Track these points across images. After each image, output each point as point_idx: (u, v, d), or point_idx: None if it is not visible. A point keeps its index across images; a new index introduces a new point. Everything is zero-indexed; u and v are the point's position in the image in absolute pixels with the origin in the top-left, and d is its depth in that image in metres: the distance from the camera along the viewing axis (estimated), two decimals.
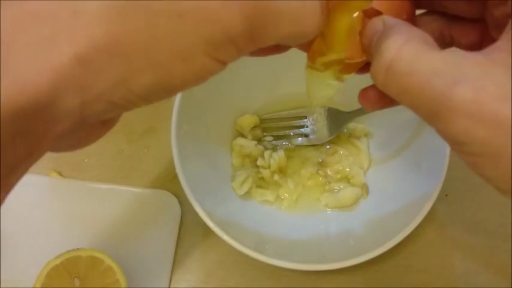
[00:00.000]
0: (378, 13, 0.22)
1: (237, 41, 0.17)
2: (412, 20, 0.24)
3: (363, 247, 0.35)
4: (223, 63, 0.18)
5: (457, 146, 0.18)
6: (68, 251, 0.37)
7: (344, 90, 0.44)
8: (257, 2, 0.16)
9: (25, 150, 0.16)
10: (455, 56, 0.17)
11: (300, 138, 0.43)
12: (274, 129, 0.44)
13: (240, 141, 0.42)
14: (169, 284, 0.39)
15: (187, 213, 0.41)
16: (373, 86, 0.24)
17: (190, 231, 0.41)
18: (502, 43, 0.18)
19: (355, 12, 0.22)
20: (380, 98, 0.24)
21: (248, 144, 0.42)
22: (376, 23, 0.21)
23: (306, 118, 0.43)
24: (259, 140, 0.43)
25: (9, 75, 0.14)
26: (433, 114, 0.17)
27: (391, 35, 0.19)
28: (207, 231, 0.35)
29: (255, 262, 0.34)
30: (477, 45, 0.23)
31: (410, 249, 0.40)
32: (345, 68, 0.23)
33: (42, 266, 0.36)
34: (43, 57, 0.15)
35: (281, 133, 0.43)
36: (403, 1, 0.23)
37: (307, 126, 0.43)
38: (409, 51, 0.18)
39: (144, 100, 0.18)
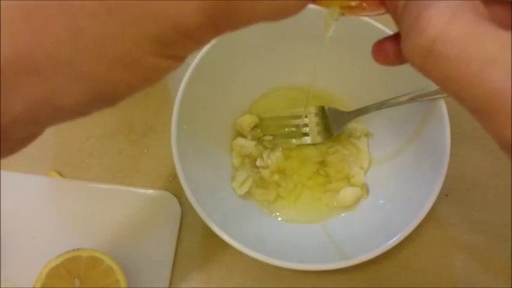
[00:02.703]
0: None
1: (194, 35, 0.13)
2: None
3: (363, 247, 0.35)
4: (180, 59, 0.15)
5: (509, 148, 0.15)
6: (68, 251, 0.37)
7: (344, 89, 0.44)
8: None
9: None
10: None
11: (300, 138, 0.43)
12: (273, 128, 0.44)
13: (240, 141, 0.42)
14: (169, 284, 0.39)
15: (187, 213, 0.41)
16: (390, 39, 0.20)
17: (190, 231, 0.41)
18: None
19: None
20: (399, 53, 0.19)
21: (248, 144, 0.42)
22: None
23: (306, 117, 0.43)
24: (258, 140, 0.43)
25: None
26: (483, 111, 0.14)
27: (435, 4, 0.14)
28: (207, 231, 0.35)
29: (255, 262, 0.34)
30: None
31: (410, 249, 0.40)
32: (350, 10, 0.19)
33: (42, 266, 0.36)
34: None
35: (281, 132, 0.43)
36: None
37: (307, 126, 0.43)
38: (458, 28, 0.14)
39: (80, 114, 0.15)
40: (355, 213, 0.40)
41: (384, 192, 0.40)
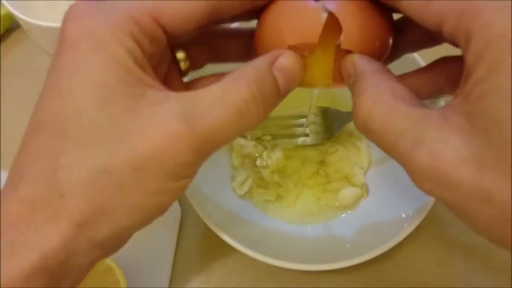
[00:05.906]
0: (347, 51, 0.22)
1: (195, 165, 0.20)
2: (388, 41, 0.24)
3: (363, 247, 0.35)
4: (194, 175, 0.21)
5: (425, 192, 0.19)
6: None
7: (345, 90, 0.44)
8: (204, 137, 0.19)
9: None
10: (418, 114, 0.19)
11: (300, 138, 0.43)
12: (273, 128, 0.44)
13: (240, 141, 0.42)
14: (169, 284, 0.39)
15: (187, 213, 0.41)
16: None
17: (190, 231, 0.41)
18: (457, 103, 0.18)
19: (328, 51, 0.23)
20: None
21: (248, 144, 0.42)
22: (348, 65, 0.22)
23: (306, 117, 0.43)
24: (258, 139, 0.43)
25: (28, 246, 0.19)
26: (404, 168, 0.19)
27: (363, 92, 0.20)
28: (207, 231, 0.35)
29: (255, 262, 0.34)
30: None
31: (410, 249, 0.40)
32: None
33: None
34: (51, 231, 0.19)
35: (281, 132, 0.43)
36: (378, 22, 0.23)
37: (307, 126, 0.43)
38: (379, 111, 0.19)
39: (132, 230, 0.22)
40: (355, 213, 0.40)
41: (384, 192, 0.40)
